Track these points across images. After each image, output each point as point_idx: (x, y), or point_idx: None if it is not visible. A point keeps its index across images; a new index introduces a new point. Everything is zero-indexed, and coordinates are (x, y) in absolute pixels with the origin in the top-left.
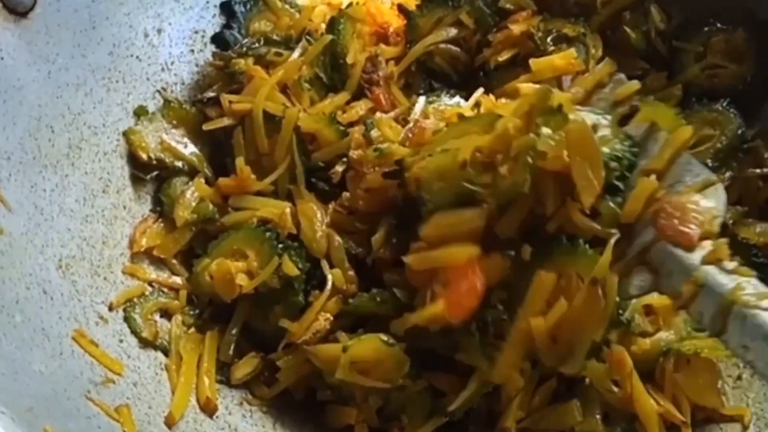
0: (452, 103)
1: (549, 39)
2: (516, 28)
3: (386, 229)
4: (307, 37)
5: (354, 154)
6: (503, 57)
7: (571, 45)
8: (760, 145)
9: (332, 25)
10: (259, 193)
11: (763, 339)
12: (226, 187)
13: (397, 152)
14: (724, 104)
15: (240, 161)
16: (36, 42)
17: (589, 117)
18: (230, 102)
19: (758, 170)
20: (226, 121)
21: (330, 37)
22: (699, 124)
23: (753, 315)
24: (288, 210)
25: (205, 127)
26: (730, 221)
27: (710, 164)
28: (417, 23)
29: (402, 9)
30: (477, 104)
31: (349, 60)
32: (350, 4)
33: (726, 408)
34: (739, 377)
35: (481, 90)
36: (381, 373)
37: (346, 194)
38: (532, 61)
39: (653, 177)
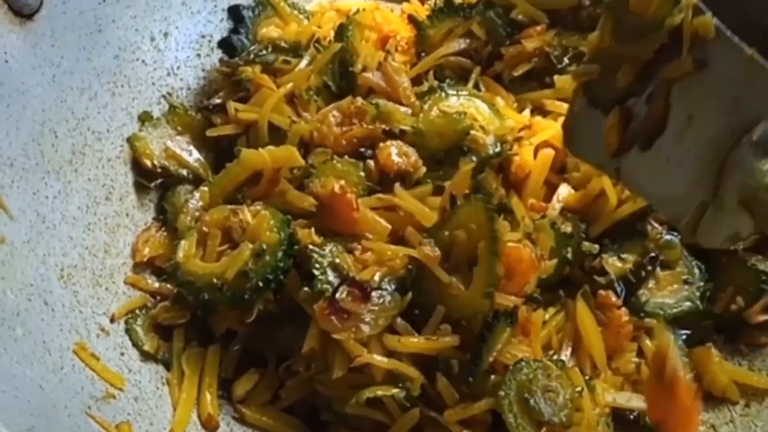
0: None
1: (566, 57)
2: (529, 45)
3: None
4: (316, 44)
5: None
6: (518, 72)
7: None
8: None
9: (341, 31)
10: None
11: None
12: None
13: (394, 113)
14: None
15: None
16: (41, 45)
17: None
18: (236, 110)
19: None
20: (230, 129)
21: (339, 45)
22: None
23: None
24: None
25: (209, 133)
26: (741, 247)
27: None
28: (427, 34)
29: (412, 19)
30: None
31: (357, 68)
32: (358, 11)
33: None
34: (747, 405)
35: (478, 68)
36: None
37: None
38: (557, 78)
39: None
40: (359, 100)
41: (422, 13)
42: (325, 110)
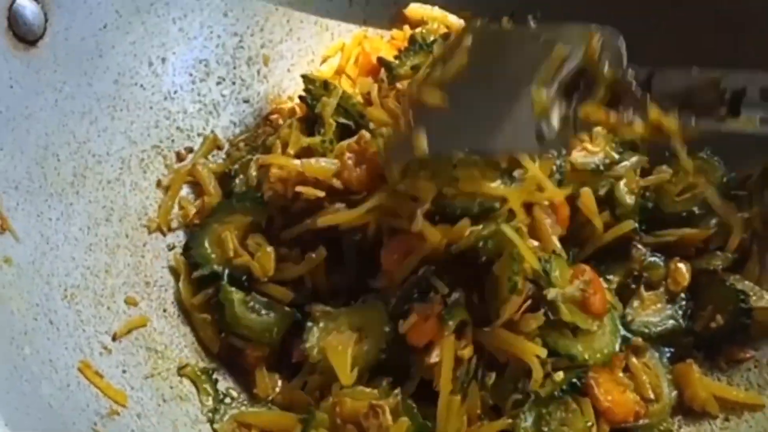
0: None
1: None
2: None
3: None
4: None
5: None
6: None
7: None
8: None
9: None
10: None
11: None
12: None
13: None
14: (708, 152)
15: None
16: (44, 70)
17: None
18: None
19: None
20: None
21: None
22: (684, 172)
23: None
24: None
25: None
26: (720, 267)
27: (697, 212)
28: (398, 72)
29: (381, 61)
30: None
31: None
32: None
33: None
34: (727, 418)
35: None
36: None
37: None
38: None
39: None
40: (365, 135)
41: (390, 53)
42: (340, 146)
